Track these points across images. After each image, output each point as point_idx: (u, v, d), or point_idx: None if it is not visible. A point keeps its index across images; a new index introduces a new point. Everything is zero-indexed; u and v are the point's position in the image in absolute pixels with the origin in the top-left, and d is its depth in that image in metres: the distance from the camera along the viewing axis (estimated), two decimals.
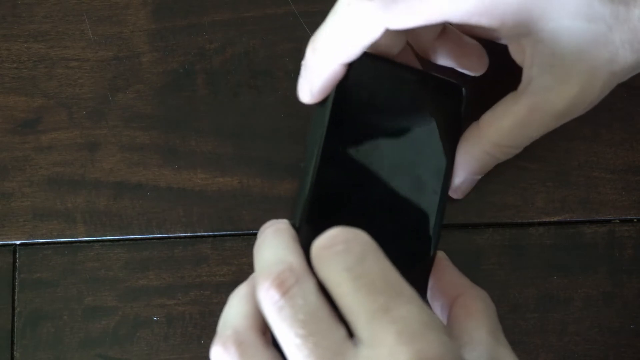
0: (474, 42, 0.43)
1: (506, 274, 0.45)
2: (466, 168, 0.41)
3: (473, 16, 0.37)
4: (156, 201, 0.45)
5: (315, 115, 0.39)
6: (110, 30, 0.47)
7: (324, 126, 0.38)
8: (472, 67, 0.43)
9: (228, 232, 0.45)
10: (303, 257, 0.34)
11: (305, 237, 0.35)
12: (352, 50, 0.37)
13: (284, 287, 0.33)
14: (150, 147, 0.45)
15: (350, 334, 0.32)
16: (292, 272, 0.33)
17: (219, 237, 0.45)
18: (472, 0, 0.37)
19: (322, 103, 0.39)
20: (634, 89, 0.46)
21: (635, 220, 0.45)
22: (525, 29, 0.38)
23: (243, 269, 0.44)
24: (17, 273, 0.44)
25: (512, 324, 0.44)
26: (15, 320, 0.44)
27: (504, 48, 0.41)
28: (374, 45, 0.38)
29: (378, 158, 0.39)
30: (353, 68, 0.38)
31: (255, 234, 0.37)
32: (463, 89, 0.41)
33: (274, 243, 0.35)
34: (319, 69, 0.38)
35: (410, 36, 0.42)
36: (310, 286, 0.33)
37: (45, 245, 0.45)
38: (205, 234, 0.45)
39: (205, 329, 0.44)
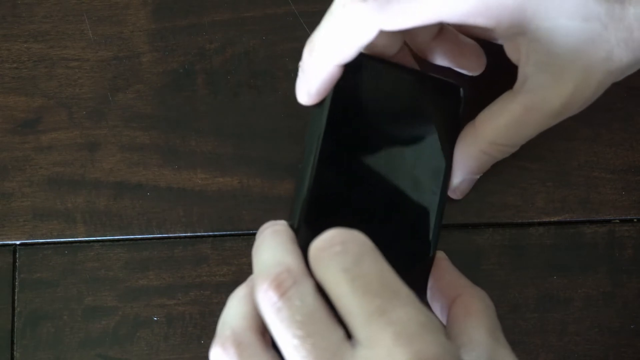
0: (471, 41, 0.43)
1: (506, 274, 0.45)
2: (463, 168, 0.41)
3: (469, 17, 0.37)
4: (156, 201, 0.45)
5: (313, 117, 0.39)
6: (110, 30, 0.47)
7: (321, 127, 0.38)
8: (470, 67, 0.43)
9: (228, 232, 0.45)
10: (301, 259, 0.34)
11: (303, 238, 0.36)
12: (348, 51, 0.37)
13: (281, 289, 0.33)
14: (150, 147, 0.45)
15: (348, 335, 0.32)
16: (290, 274, 0.33)
17: (219, 237, 0.45)
18: (468, 1, 0.36)
19: (319, 104, 0.39)
20: (633, 89, 0.46)
21: (635, 220, 0.45)
22: (521, 28, 0.38)
23: (243, 269, 0.44)
24: (17, 273, 0.44)
25: (512, 324, 0.44)
26: (15, 320, 0.44)
27: (501, 47, 0.41)
28: (371, 46, 0.38)
29: (376, 159, 0.39)
30: (350, 69, 0.38)
31: (255, 234, 0.37)
32: (461, 89, 0.41)
33: (272, 244, 0.35)
34: (316, 71, 0.38)
35: (407, 37, 0.42)
36: (308, 287, 0.33)
37: (45, 245, 0.45)
38: (205, 234, 0.45)
39: (205, 329, 0.44)
